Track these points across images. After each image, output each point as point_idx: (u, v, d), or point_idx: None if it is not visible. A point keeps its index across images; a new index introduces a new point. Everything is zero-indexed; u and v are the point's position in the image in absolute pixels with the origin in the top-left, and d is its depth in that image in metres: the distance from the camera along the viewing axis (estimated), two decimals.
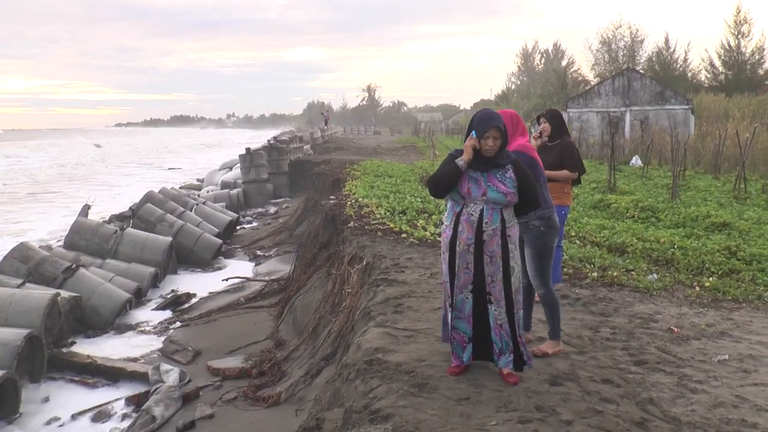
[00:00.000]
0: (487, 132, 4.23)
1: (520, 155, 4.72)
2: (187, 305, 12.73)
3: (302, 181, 27.31)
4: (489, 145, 4.24)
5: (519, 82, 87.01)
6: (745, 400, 4.34)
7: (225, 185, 29.22)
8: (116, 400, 8.50)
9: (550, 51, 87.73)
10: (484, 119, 4.30)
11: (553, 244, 4.94)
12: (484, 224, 4.25)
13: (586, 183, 16.54)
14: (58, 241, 17.00)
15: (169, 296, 13.26)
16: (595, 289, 7.23)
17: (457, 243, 4.33)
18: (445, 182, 4.34)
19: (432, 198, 13.01)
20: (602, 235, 9.96)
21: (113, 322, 11.49)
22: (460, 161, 4.29)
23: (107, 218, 19.37)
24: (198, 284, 14.41)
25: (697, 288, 7.45)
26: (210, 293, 13.51)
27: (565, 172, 6.60)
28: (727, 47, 44.51)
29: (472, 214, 4.28)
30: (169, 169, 51.34)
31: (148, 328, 11.47)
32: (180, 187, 29.03)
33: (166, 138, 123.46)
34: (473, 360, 4.47)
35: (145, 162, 59.92)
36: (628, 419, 3.90)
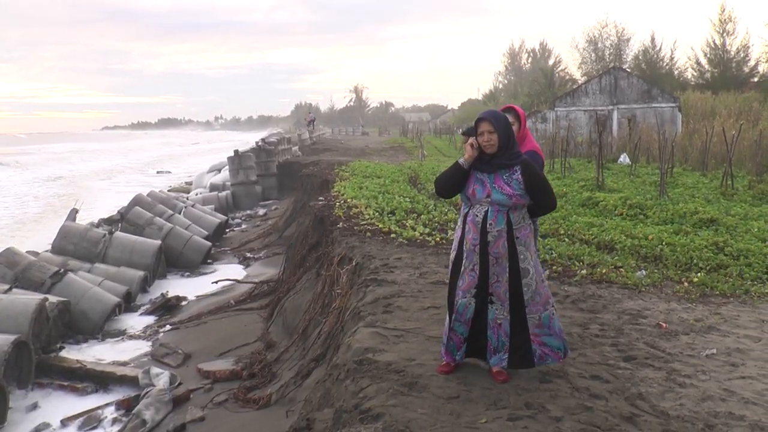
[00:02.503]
0: (479, 128, 4.26)
1: (535, 157, 4.73)
2: (176, 308, 12.68)
3: (291, 182, 27.24)
4: (484, 140, 4.23)
5: (506, 82, 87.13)
6: (732, 393, 4.38)
7: (213, 188, 29.12)
8: (106, 405, 8.44)
9: (536, 50, 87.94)
10: (477, 117, 4.34)
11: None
12: (488, 225, 4.23)
13: (575, 181, 16.61)
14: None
15: (158, 300, 13.18)
16: (584, 287, 7.26)
17: (464, 243, 4.34)
18: (447, 182, 4.40)
19: (420, 198, 13.05)
20: (591, 232, 10.00)
21: (102, 326, 11.41)
22: (461, 159, 4.31)
23: (96, 222, 19.25)
24: (188, 287, 14.35)
25: (686, 283, 7.49)
26: (199, 296, 13.46)
27: None
28: (713, 45, 44.91)
29: (477, 215, 4.28)
30: (158, 172, 51.07)
31: (137, 332, 11.41)
32: (168, 190, 28.91)
33: (184, 140, 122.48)
34: (465, 357, 4.46)
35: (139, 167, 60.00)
36: (618, 414, 3.91)
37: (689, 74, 47.82)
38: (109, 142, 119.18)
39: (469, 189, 4.32)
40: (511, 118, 5.02)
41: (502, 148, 4.23)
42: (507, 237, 4.22)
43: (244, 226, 23.12)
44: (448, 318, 4.46)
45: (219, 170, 33.10)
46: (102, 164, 61.29)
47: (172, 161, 62.79)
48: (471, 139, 4.28)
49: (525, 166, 4.25)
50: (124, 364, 9.77)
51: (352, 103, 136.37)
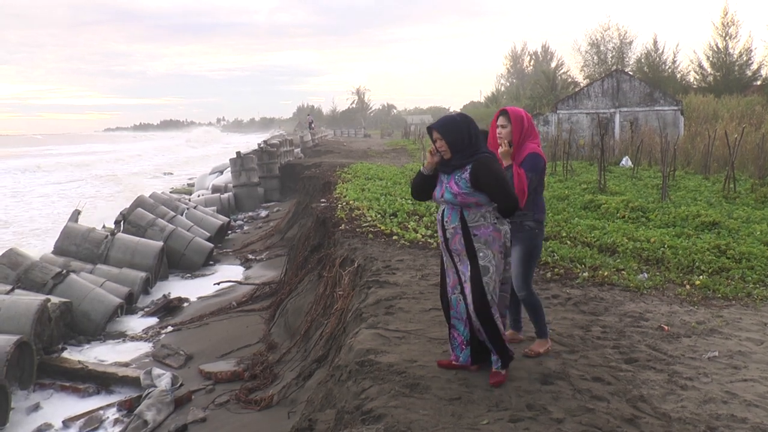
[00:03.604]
0: (433, 136, 4.47)
1: (535, 159, 4.82)
2: (178, 310, 12.69)
3: (293, 184, 27.26)
4: (438, 146, 4.45)
5: (508, 84, 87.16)
6: (734, 395, 4.37)
7: (216, 189, 29.12)
8: (108, 405, 8.45)
9: (539, 53, 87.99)
10: (427, 126, 4.59)
11: (540, 247, 5.03)
12: (445, 223, 4.47)
13: (577, 184, 16.60)
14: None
15: (160, 301, 13.20)
16: (586, 289, 7.26)
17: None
18: (415, 186, 4.69)
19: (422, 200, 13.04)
20: (593, 235, 10.00)
21: (104, 327, 11.42)
22: (422, 166, 4.59)
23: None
24: (189, 289, 14.35)
25: (688, 286, 7.49)
26: (201, 297, 13.47)
27: None
28: (715, 49, 44.77)
29: (439, 214, 4.57)
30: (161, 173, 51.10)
31: (139, 333, 11.41)
32: (170, 192, 28.93)
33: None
34: (472, 363, 4.48)
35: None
36: (619, 416, 3.92)
37: (691, 77, 47.69)
38: (119, 143, 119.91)
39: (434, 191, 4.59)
40: (503, 121, 5.06)
41: (455, 152, 4.40)
42: (463, 234, 4.38)
43: (246, 228, 23.12)
44: (445, 316, 4.62)
45: (221, 172, 33.14)
46: (137, 165, 61.82)
47: (197, 163, 62.58)
48: (430, 146, 4.54)
49: (475, 165, 4.36)
50: (126, 365, 9.77)
51: (354, 105, 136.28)
